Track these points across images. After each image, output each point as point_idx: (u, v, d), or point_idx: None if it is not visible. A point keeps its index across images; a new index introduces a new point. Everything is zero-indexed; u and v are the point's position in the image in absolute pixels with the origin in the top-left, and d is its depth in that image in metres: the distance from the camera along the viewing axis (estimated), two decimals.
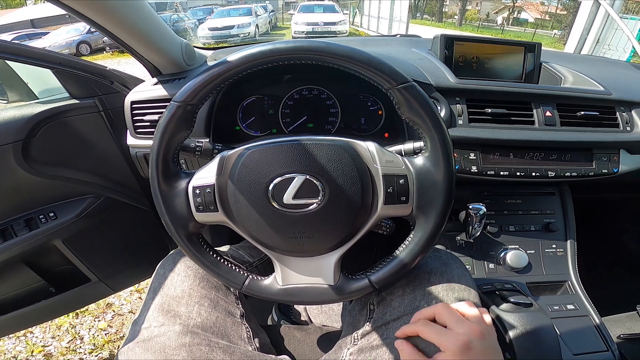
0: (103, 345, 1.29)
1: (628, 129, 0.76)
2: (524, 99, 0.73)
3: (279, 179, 0.44)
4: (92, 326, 1.37)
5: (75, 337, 1.33)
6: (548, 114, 0.72)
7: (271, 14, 15.48)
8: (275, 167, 0.44)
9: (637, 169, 0.76)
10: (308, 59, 0.44)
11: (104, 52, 10.57)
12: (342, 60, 0.43)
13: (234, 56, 0.44)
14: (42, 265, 0.97)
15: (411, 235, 0.48)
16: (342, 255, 0.48)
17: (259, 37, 11.63)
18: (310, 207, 0.44)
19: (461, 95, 0.72)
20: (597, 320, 0.70)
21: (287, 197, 0.44)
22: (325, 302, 0.51)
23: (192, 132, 0.48)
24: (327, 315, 0.86)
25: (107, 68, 0.88)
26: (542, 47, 0.88)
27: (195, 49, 0.90)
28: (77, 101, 0.85)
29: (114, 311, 1.43)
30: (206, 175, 0.47)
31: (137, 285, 1.49)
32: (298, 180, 0.44)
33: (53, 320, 1.37)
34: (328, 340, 0.67)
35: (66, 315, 1.38)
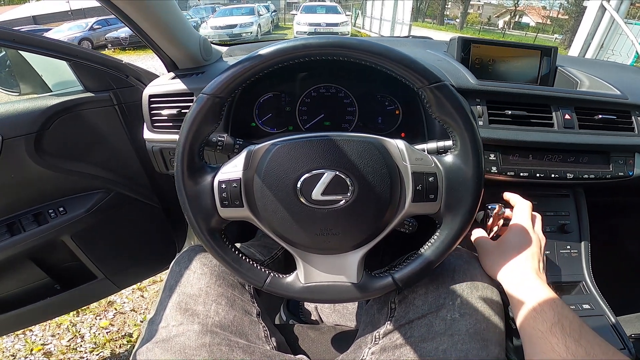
0: (104, 344, 1.27)
1: None
2: (544, 102, 0.73)
3: (307, 174, 0.44)
4: (93, 324, 1.35)
5: (75, 335, 1.31)
6: (567, 116, 0.72)
7: (273, 14, 15.51)
8: (305, 163, 0.44)
9: None
10: (340, 55, 0.43)
11: (106, 49, 10.55)
12: (375, 57, 0.43)
13: (265, 50, 0.43)
14: (48, 261, 0.96)
15: (437, 233, 0.47)
16: (366, 253, 0.48)
17: (261, 36, 11.65)
18: (339, 204, 0.44)
19: (481, 96, 0.72)
20: (613, 320, 0.70)
21: (316, 193, 0.44)
22: (348, 300, 0.50)
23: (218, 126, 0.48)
24: (341, 314, 0.85)
25: (123, 61, 0.87)
26: None
27: (212, 45, 0.90)
28: (92, 94, 0.84)
29: (115, 309, 1.42)
30: (232, 169, 0.46)
31: (139, 283, 1.48)
32: (327, 176, 0.44)
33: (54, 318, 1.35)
34: (343, 339, 0.66)
35: (67, 313, 1.37)
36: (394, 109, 0.81)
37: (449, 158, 0.46)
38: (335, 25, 10.88)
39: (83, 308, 1.39)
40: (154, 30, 0.69)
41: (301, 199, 0.44)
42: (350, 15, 14.73)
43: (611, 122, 0.75)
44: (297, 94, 0.81)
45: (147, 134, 0.78)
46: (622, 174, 0.75)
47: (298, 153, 0.45)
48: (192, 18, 12.40)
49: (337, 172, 0.44)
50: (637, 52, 2.63)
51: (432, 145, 0.56)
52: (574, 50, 2.84)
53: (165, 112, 0.74)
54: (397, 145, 0.46)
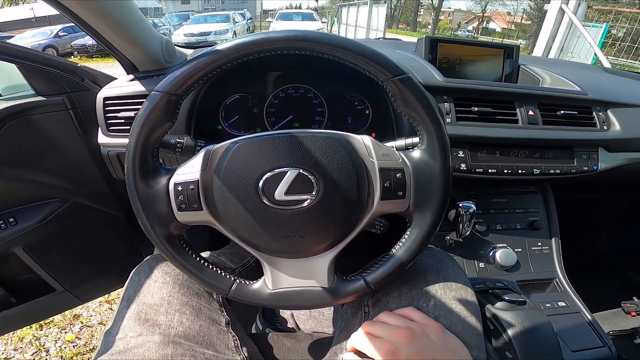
0: (71, 358, 1.21)
1: (605, 127, 0.78)
2: (508, 98, 0.75)
3: (270, 173, 0.42)
4: (59, 338, 1.29)
5: (40, 349, 1.24)
6: (530, 112, 0.74)
7: (249, 21, 15.46)
8: (266, 161, 0.42)
9: (614, 167, 0.79)
10: (303, 49, 0.41)
11: (72, 56, 10.15)
12: (338, 50, 0.41)
13: (224, 45, 0.41)
14: (0, 273, 0.89)
15: (408, 233, 0.46)
16: (336, 255, 0.46)
17: None
18: (304, 204, 0.42)
19: (448, 94, 0.72)
20: (589, 317, 0.70)
21: (279, 193, 0.41)
22: (320, 305, 0.48)
23: (173, 127, 0.45)
24: (317, 321, 0.83)
25: (78, 65, 0.83)
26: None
27: (175, 47, 0.87)
28: (44, 98, 0.79)
29: (82, 322, 1.35)
30: (189, 170, 0.43)
31: (107, 295, 1.42)
32: (291, 174, 0.41)
33: (14, 332, 1.28)
34: (320, 347, 0.64)
35: (29, 327, 1.29)
36: (364, 109, 0.80)
37: (416, 153, 0.45)
38: None
39: (46, 322, 1.33)
40: (109, 30, 0.65)
41: (264, 200, 0.42)
42: (326, 22, 14.90)
43: (573, 118, 0.77)
44: (265, 95, 0.79)
45: (102, 138, 0.73)
46: (586, 168, 0.77)
47: (259, 151, 0.42)
48: (164, 25, 12.15)
49: (301, 170, 0.42)
50: (595, 55, 2.78)
51: (400, 142, 0.55)
52: (537, 54, 2.97)
53: (121, 114, 0.70)
54: (363, 141, 0.45)
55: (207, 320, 0.52)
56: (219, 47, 0.41)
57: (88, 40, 9.77)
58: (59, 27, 10.83)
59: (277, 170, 0.42)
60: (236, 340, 0.54)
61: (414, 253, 0.45)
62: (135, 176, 0.42)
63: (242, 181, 0.42)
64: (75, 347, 1.26)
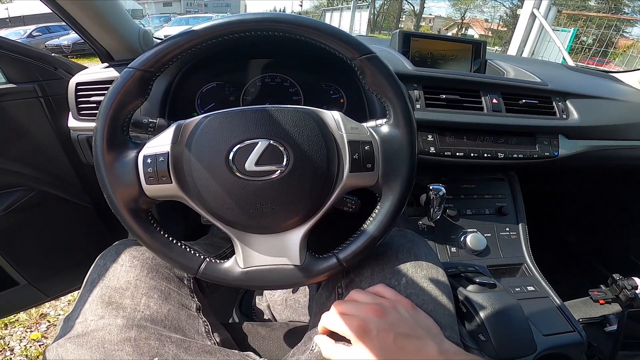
0: (37, 357, 1.17)
1: (564, 116, 0.84)
2: (473, 87, 0.79)
3: (240, 144, 0.42)
4: (24, 337, 1.24)
5: (4, 348, 1.20)
6: (494, 101, 0.78)
7: None
8: (237, 133, 0.42)
9: (574, 154, 0.83)
10: (276, 30, 0.42)
11: None
12: (308, 31, 0.43)
13: (199, 26, 0.42)
14: None
15: (378, 207, 0.47)
16: (307, 232, 0.46)
17: None
18: (274, 175, 0.42)
19: (418, 82, 0.75)
20: (558, 302, 0.71)
21: (250, 164, 0.41)
22: (292, 285, 0.48)
23: (148, 112, 0.45)
24: (293, 310, 0.82)
25: (52, 54, 0.82)
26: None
27: (153, 39, 0.87)
28: (14, 85, 0.77)
29: (49, 322, 1.30)
30: (160, 143, 0.43)
31: (76, 294, 1.37)
32: (261, 145, 0.42)
33: None
34: (295, 335, 0.63)
35: None
36: (339, 98, 0.82)
37: (384, 128, 0.46)
38: None
39: (11, 320, 1.28)
40: (87, 18, 0.65)
41: (234, 171, 0.42)
42: None
43: (534, 107, 0.81)
44: (242, 84, 0.80)
45: (72, 122, 0.72)
46: (547, 154, 0.81)
47: (231, 124, 0.43)
48: (144, 27, 11.93)
49: (271, 141, 0.42)
50: (563, 58, 2.92)
51: (371, 123, 0.57)
52: None
53: (93, 99, 0.69)
54: (333, 116, 0.46)
55: (176, 304, 0.50)
56: (195, 27, 0.42)
57: (63, 41, 9.47)
58: (33, 27, 10.48)
59: (247, 142, 0.42)
60: (207, 325, 0.51)
61: (384, 227, 0.46)
62: (102, 148, 0.42)
63: (212, 153, 0.42)
64: (42, 345, 1.22)
